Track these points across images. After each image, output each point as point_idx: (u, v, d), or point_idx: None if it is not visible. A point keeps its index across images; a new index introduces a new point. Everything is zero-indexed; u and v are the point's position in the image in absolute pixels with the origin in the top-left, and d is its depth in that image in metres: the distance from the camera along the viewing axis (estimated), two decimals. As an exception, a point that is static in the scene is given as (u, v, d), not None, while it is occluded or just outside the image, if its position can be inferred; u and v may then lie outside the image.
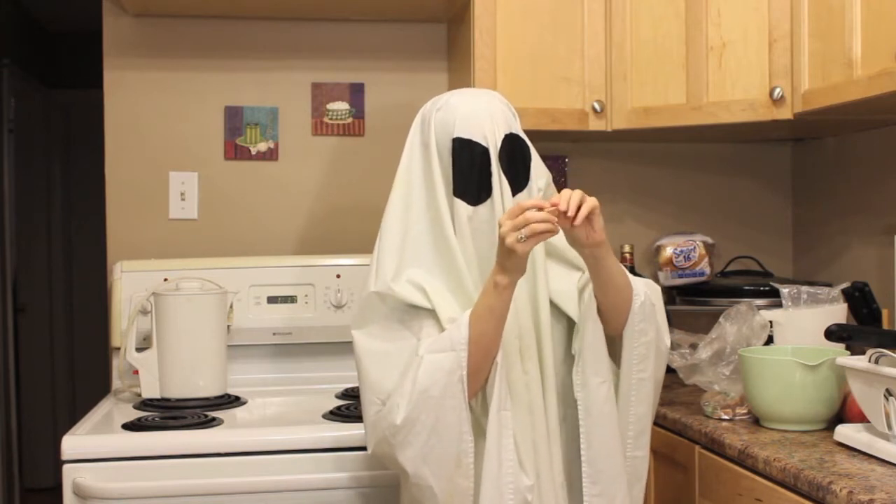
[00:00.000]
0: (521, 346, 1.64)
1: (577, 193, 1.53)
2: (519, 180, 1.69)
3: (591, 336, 1.64)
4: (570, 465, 1.68)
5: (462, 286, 1.64)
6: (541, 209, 1.50)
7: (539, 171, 1.74)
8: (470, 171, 1.66)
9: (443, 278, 1.66)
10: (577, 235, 1.55)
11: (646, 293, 1.66)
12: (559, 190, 1.60)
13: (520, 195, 1.68)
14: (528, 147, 1.72)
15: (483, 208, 1.66)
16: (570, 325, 1.71)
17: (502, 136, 1.68)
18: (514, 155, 1.69)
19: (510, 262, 1.52)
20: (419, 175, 1.72)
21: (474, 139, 1.66)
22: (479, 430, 1.59)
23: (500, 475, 1.57)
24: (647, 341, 1.67)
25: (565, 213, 1.51)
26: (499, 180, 1.66)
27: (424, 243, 1.69)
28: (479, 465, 1.58)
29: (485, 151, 1.66)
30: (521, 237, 1.49)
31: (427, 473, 1.58)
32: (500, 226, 1.52)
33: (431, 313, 1.63)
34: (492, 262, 1.56)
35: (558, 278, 1.71)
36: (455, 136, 1.67)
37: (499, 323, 1.56)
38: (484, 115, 1.68)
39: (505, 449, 1.58)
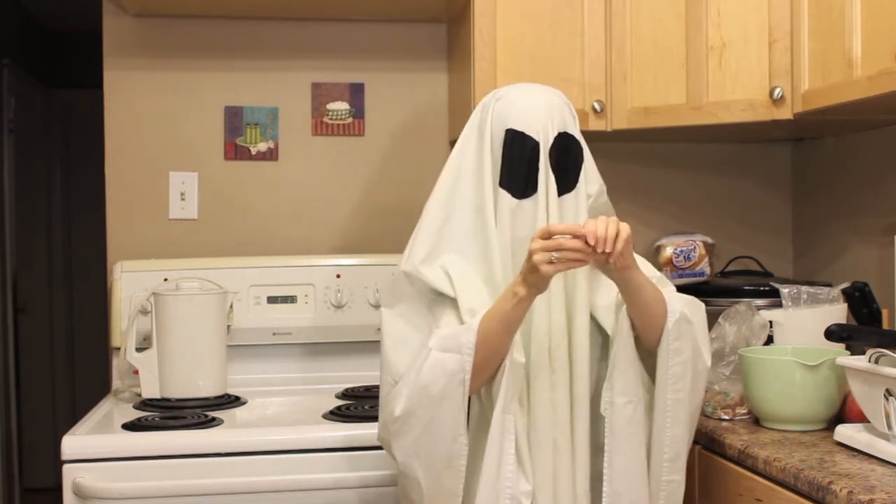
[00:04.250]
0: (551, 345, 1.62)
1: (612, 224, 1.50)
2: (567, 181, 1.67)
3: (621, 354, 1.62)
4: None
5: (493, 277, 1.63)
6: (575, 237, 1.48)
7: (591, 177, 1.71)
8: (519, 164, 1.64)
9: (476, 266, 1.65)
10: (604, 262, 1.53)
11: (681, 311, 1.62)
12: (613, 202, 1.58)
13: (566, 196, 1.66)
14: (581, 149, 1.70)
15: (527, 203, 1.64)
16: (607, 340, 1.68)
17: (555, 134, 1.66)
18: (565, 154, 1.66)
19: (533, 277, 1.51)
20: (471, 161, 1.70)
21: (527, 132, 1.64)
22: (486, 426, 1.57)
23: (498, 478, 1.56)
24: (683, 360, 1.63)
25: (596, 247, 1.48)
26: (546, 177, 1.64)
27: (465, 230, 1.67)
28: (481, 463, 1.57)
29: (536, 146, 1.64)
30: (553, 258, 1.47)
31: (416, 465, 1.58)
32: (532, 241, 1.50)
33: (454, 302, 1.62)
34: None
35: (602, 290, 1.67)
36: (509, 126, 1.65)
37: (508, 330, 1.55)
38: (541, 110, 1.66)
39: (506, 452, 1.56)
